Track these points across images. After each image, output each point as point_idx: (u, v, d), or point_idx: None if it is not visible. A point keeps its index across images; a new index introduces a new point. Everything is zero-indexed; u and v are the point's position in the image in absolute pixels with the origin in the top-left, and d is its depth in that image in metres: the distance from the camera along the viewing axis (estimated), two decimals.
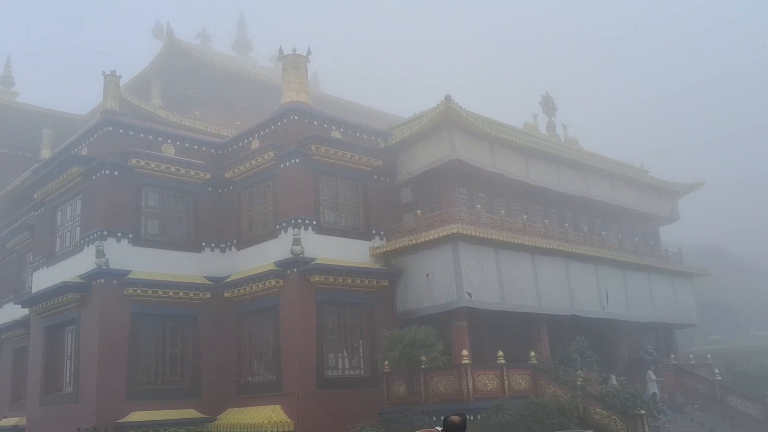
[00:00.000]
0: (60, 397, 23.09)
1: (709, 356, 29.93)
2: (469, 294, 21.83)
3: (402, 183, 24.84)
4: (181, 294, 23.27)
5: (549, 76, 62.09)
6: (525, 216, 25.42)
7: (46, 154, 28.09)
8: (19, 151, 35.56)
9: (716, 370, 27.15)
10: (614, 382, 23.12)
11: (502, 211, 24.58)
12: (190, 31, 43.67)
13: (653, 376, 25.56)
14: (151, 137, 24.13)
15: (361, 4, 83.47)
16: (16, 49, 58.22)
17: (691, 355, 29.60)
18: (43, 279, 24.91)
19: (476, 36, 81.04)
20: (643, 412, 20.04)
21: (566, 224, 27.24)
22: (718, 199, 52.67)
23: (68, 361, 23.42)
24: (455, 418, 6.50)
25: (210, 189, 25.11)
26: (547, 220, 26.28)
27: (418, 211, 23.65)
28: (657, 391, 25.13)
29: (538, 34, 78.71)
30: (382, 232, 24.39)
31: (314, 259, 22.17)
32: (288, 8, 78.42)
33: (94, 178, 23.23)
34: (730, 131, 68.75)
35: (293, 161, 22.96)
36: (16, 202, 31.34)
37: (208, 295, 23.86)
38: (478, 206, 23.81)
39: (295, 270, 22.06)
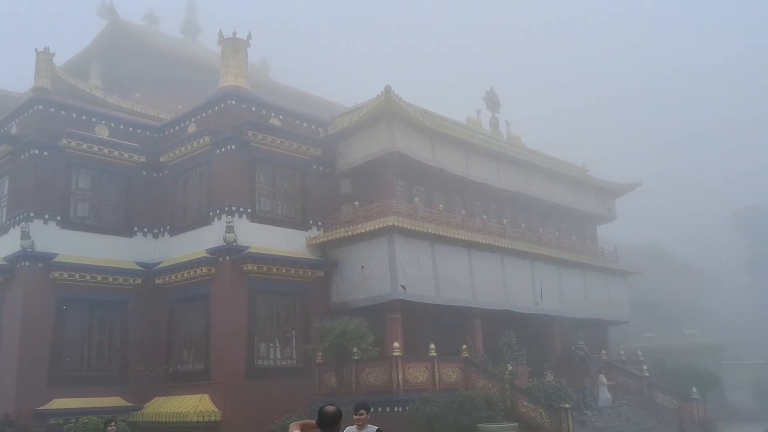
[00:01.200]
0: None
1: (639, 353, 30.63)
2: (404, 287, 21.85)
3: (342, 174, 24.70)
4: (110, 279, 22.72)
5: (495, 71, 62.53)
6: (463, 211, 25.54)
7: None
8: None
9: (644, 367, 27.78)
10: (550, 377, 23.43)
11: (441, 206, 24.67)
12: (138, 11, 42.54)
13: (604, 380, 25.86)
14: (84, 118, 23.45)
15: None
16: None
17: (622, 352, 30.25)
18: None
19: (425, 26, 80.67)
20: (567, 405, 20.37)
21: (504, 220, 27.47)
22: (656, 201, 53.89)
23: None
24: (330, 408, 6.45)
25: (145, 173, 24.55)
26: (485, 216, 26.49)
27: (356, 203, 23.55)
28: (609, 396, 25.38)
29: (486, 23, 78.96)
30: (319, 223, 24.22)
31: (248, 247, 21.88)
32: None
33: (22, 157, 22.48)
34: (674, 136, 70.48)
35: (229, 147, 22.59)
36: None
37: (139, 281, 23.36)
38: (416, 199, 23.85)
39: (228, 258, 21.74)
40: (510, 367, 22.00)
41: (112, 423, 14.94)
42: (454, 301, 23.72)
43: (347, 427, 9.03)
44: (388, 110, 22.77)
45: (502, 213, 28.62)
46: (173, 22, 45.80)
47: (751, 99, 71.05)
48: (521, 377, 22.92)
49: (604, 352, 29.40)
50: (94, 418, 18.02)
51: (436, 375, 21.57)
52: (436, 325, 24.92)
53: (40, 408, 20.48)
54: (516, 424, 20.57)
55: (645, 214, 51.17)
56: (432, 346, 21.90)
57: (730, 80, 74.28)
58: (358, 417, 9.07)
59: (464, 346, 22.93)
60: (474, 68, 68.25)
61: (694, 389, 26.50)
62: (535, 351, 27.93)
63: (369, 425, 9.18)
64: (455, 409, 20.54)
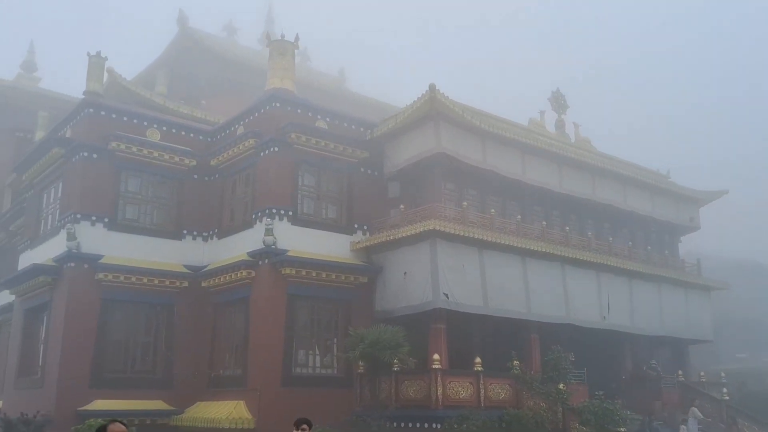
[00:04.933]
0: (30, 382, 22.80)
1: (723, 375, 27.94)
2: (446, 295, 20.63)
3: (389, 176, 23.78)
4: (156, 281, 22.70)
5: (570, 74, 59.97)
6: (519, 216, 24.02)
7: (39, 136, 27.96)
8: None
9: (724, 390, 25.22)
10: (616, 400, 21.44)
11: (493, 210, 23.27)
12: (218, 23, 43.45)
13: (698, 413, 23.59)
14: (135, 121, 23.67)
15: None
16: (40, 33, 58.87)
17: (702, 373, 27.60)
18: (27, 261, 24.70)
19: (487, 29, 78.00)
20: (622, 430, 18.53)
21: (568, 227, 25.70)
22: (746, 210, 49.70)
23: (42, 345, 23.11)
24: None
25: (196, 176, 24.51)
26: (545, 222, 24.83)
27: (402, 206, 22.54)
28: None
29: (555, 28, 75.91)
30: (365, 227, 23.38)
31: (287, 250, 21.30)
32: (321, 3, 77.57)
33: (73, 160, 22.89)
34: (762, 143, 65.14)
35: (272, 149, 22.16)
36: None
37: (186, 283, 23.26)
38: (465, 203, 22.57)
39: (267, 261, 21.24)
40: (562, 386, 20.33)
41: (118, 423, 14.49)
42: (505, 312, 22.24)
43: None
44: (433, 110, 21.70)
45: (567, 220, 26.84)
46: (252, 33, 46.53)
47: None
48: (578, 397, 21.19)
49: (680, 372, 27.01)
50: (100, 420, 17.71)
51: (482, 391, 20.23)
52: (487, 337, 23.55)
53: (81, 408, 20.56)
54: None
55: (734, 224, 47.29)
56: (477, 359, 20.58)
57: None
58: None
59: (515, 362, 21.46)
60: (550, 69, 65.93)
61: None
62: (602, 369, 26.00)
63: None
64: (497, 428, 19.18)
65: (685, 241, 32.82)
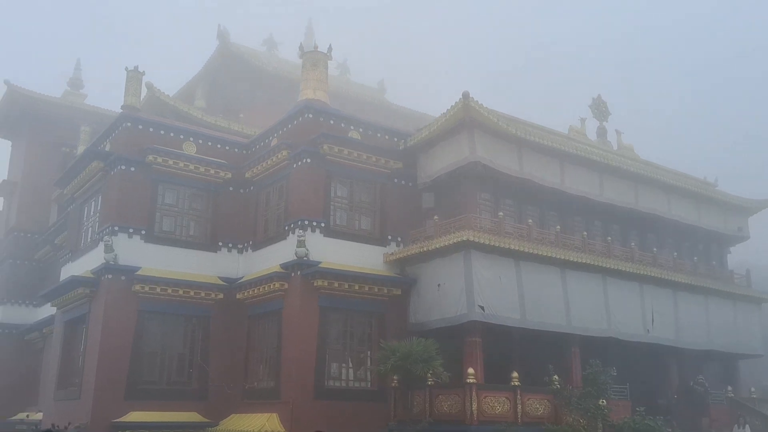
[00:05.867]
0: (68, 393, 23.06)
1: None
2: (482, 307, 20.16)
3: (424, 187, 23.44)
4: (192, 293, 22.80)
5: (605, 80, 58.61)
6: (558, 227, 23.41)
7: (81, 150, 28.48)
8: None
9: None
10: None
11: (530, 220, 22.73)
12: (259, 38, 43.81)
13: (748, 431, 22.61)
14: (172, 134, 23.89)
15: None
16: (87, 51, 60.21)
17: (752, 389, 26.41)
18: (67, 274, 25.10)
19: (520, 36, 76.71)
20: None
21: (610, 238, 24.96)
22: None
23: (80, 357, 23.38)
24: None
25: (231, 188, 24.61)
26: (585, 233, 24.15)
27: (435, 217, 22.18)
28: None
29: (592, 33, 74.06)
30: (399, 239, 23.08)
31: (319, 262, 21.14)
32: (358, 17, 77.55)
33: (112, 173, 23.20)
34: None
35: (305, 161, 22.08)
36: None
37: (221, 295, 23.30)
38: (501, 213, 22.09)
39: (299, 273, 21.12)
40: (603, 402, 19.61)
41: None
42: (543, 325, 21.63)
43: None
44: (467, 118, 21.33)
45: (609, 230, 26.09)
46: (292, 48, 46.75)
47: None
48: (620, 413, 20.44)
49: (729, 388, 25.93)
50: None
51: (519, 407, 19.64)
52: (526, 351, 22.90)
53: (116, 420, 20.69)
54: None
55: None
56: (514, 374, 20.02)
57: None
58: None
59: (555, 377, 20.82)
60: (589, 76, 64.65)
61: None
62: (647, 385, 25.12)
63: None
64: None
65: (734, 252, 31.68)
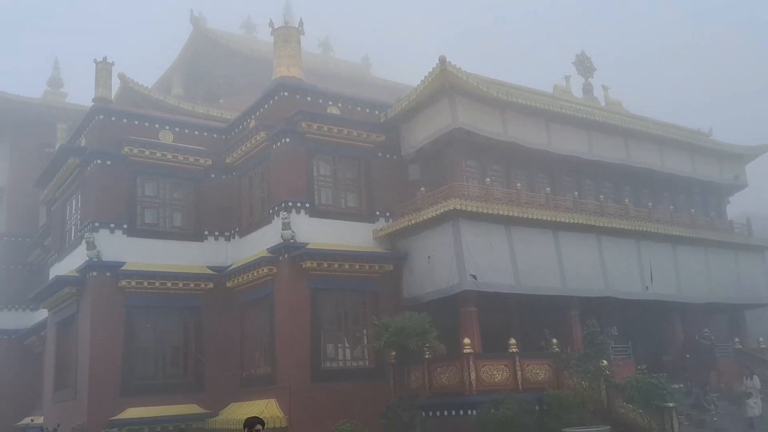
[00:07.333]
0: (65, 395, 22.75)
1: None
2: (474, 276, 19.69)
3: (409, 159, 22.88)
4: (181, 285, 22.37)
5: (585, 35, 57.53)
6: (548, 189, 22.87)
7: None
8: None
9: None
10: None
11: (519, 184, 22.18)
12: (236, 22, 42.96)
13: (757, 383, 21.91)
14: (146, 124, 23.34)
15: None
16: (65, 48, 59.15)
17: (761, 339, 25.97)
18: (55, 274, 24.69)
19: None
20: (671, 404, 17.34)
21: (602, 196, 24.41)
22: None
23: (74, 357, 23.02)
24: None
25: (213, 176, 24.08)
26: (576, 193, 23.61)
27: (422, 189, 21.65)
28: (759, 405, 21.02)
29: None
30: (387, 214, 22.58)
31: (307, 243, 20.66)
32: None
33: (88, 168, 22.68)
34: None
35: (283, 141, 21.52)
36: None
37: (210, 285, 22.87)
38: (488, 180, 21.54)
39: (287, 256, 20.64)
40: (604, 362, 19.22)
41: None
42: (539, 289, 21.18)
43: None
44: (446, 83, 20.71)
45: (601, 188, 25.54)
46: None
47: None
48: (624, 372, 20.03)
49: (737, 340, 25.52)
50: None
51: (518, 373, 19.28)
52: (524, 318, 22.52)
53: (113, 418, 20.36)
54: (608, 427, 17.85)
55: None
56: (512, 341, 19.63)
57: None
58: None
59: (554, 341, 20.43)
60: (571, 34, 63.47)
61: None
62: (652, 343, 24.75)
63: None
64: (536, 411, 18.24)
65: (734, 202, 31.10)
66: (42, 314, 30.19)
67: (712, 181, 28.12)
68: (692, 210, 26.96)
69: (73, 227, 24.29)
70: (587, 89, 26.91)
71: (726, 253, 26.65)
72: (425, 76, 20.93)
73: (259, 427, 7.51)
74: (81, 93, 42.50)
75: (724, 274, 26.18)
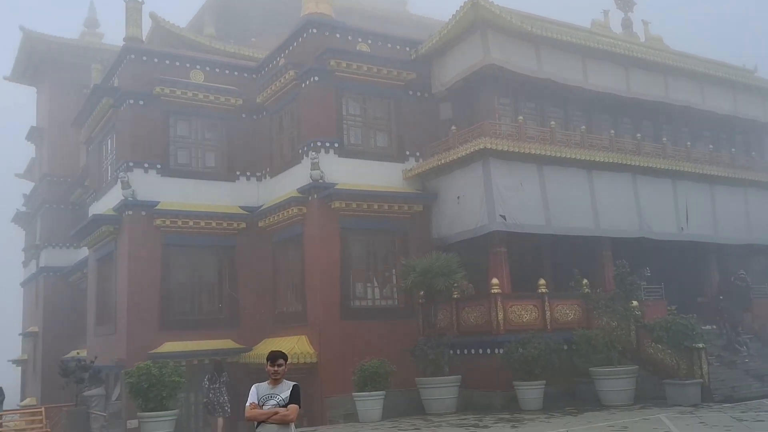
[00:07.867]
0: (106, 329, 23.57)
1: None
2: (503, 217, 19.55)
3: (440, 97, 22.54)
4: (214, 224, 22.74)
5: None
6: (583, 127, 22.37)
7: None
8: None
9: None
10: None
11: (553, 123, 21.74)
12: None
13: None
14: (177, 64, 23.37)
15: None
16: None
17: None
18: (93, 213, 25.29)
19: None
20: (700, 345, 17.24)
21: (639, 135, 23.81)
22: None
23: (113, 293, 23.74)
24: None
25: (244, 115, 24.14)
26: (613, 131, 23.08)
27: (453, 127, 21.38)
28: None
29: None
30: (417, 153, 22.43)
31: (335, 183, 20.71)
32: None
33: (122, 108, 22.92)
34: None
35: (312, 79, 21.35)
36: None
37: (243, 224, 23.20)
38: (521, 117, 21.14)
39: (316, 196, 20.74)
40: (634, 302, 19.10)
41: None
42: (570, 230, 20.96)
43: (257, 384, 7.61)
44: (478, 18, 20.18)
45: (639, 126, 24.90)
46: None
47: None
48: (655, 313, 19.90)
49: None
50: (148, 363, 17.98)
51: (547, 314, 19.35)
52: (555, 259, 22.40)
53: (152, 351, 21.06)
54: (636, 367, 17.93)
55: None
56: (541, 281, 19.60)
57: None
58: (275, 369, 7.56)
59: (584, 281, 20.35)
60: None
61: None
62: (687, 284, 24.43)
63: (285, 381, 7.65)
64: (564, 350, 18.34)
65: None
66: (85, 252, 31.13)
67: (755, 120, 27.17)
68: (732, 149, 26.18)
69: (109, 167, 24.71)
70: (626, 24, 26.02)
71: (766, 193, 25.92)
72: (456, 11, 20.42)
73: (281, 361, 7.60)
74: (118, 34, 42.91)
75: (763, 216, 25.51)
